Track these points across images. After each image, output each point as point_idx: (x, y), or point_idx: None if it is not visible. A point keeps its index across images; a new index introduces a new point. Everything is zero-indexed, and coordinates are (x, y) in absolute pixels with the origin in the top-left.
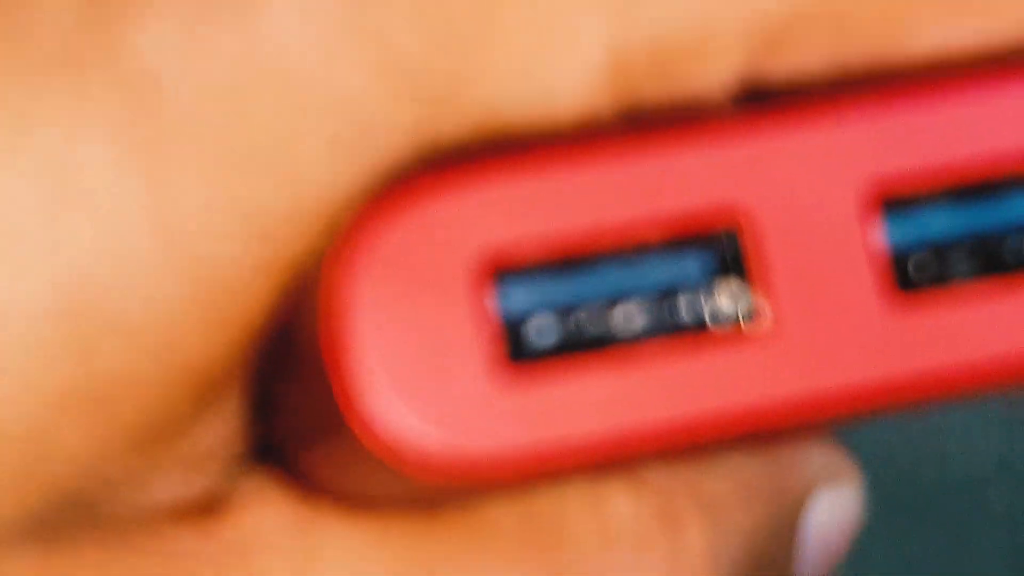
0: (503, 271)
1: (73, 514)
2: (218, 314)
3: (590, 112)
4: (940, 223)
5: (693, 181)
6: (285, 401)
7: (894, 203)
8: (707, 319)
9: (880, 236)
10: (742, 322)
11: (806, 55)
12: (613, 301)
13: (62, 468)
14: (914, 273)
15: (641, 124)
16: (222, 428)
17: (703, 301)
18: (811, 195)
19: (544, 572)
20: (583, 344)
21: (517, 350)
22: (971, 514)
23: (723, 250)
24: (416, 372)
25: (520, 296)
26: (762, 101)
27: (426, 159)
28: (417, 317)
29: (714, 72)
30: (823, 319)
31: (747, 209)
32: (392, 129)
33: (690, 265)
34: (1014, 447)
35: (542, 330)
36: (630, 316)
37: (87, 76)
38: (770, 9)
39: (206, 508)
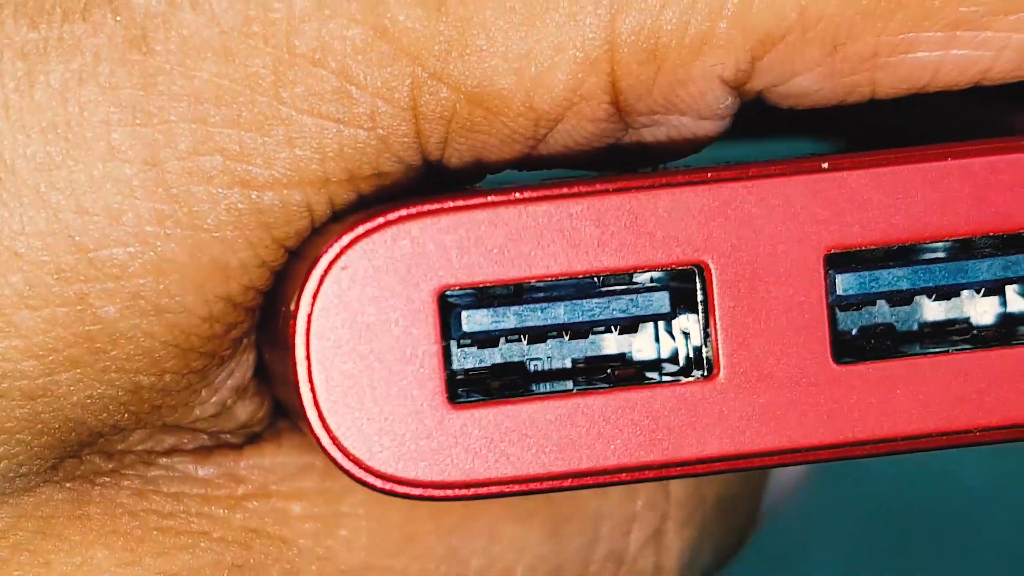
0: (458, 306)
1: (90, 459)
2: (207, 268)
3: (580, 91)
4: (895, 285)
5: (661, 228)
6: (273, 369)
7: (850, 265)
8: (656, 362)
9: (833, 295)
10: (692, 365)
11: (800, 60)
12: (564, 338)
13: (67, 420)
14: (866, 335)
15: (621, 170)
16: (234, 390)
17: (655, 342)
18: (774, 251)
19: (547, 523)
20: (529, 382)
21: (463, 383)
22: (963, 534)
23: (680, 293)
24: (366, 398)
25: (473, 330)
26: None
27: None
28: (372, 344)
29: (709, 66)
30: (771, 371)
31: (710, 258)
32: (382, 91)
33: (647, 306)
34: (1005, 467)
35: (488, 364)
36: (580, 354)
37: (88, 24)
38: (769, 14)
39: (227, 451)
